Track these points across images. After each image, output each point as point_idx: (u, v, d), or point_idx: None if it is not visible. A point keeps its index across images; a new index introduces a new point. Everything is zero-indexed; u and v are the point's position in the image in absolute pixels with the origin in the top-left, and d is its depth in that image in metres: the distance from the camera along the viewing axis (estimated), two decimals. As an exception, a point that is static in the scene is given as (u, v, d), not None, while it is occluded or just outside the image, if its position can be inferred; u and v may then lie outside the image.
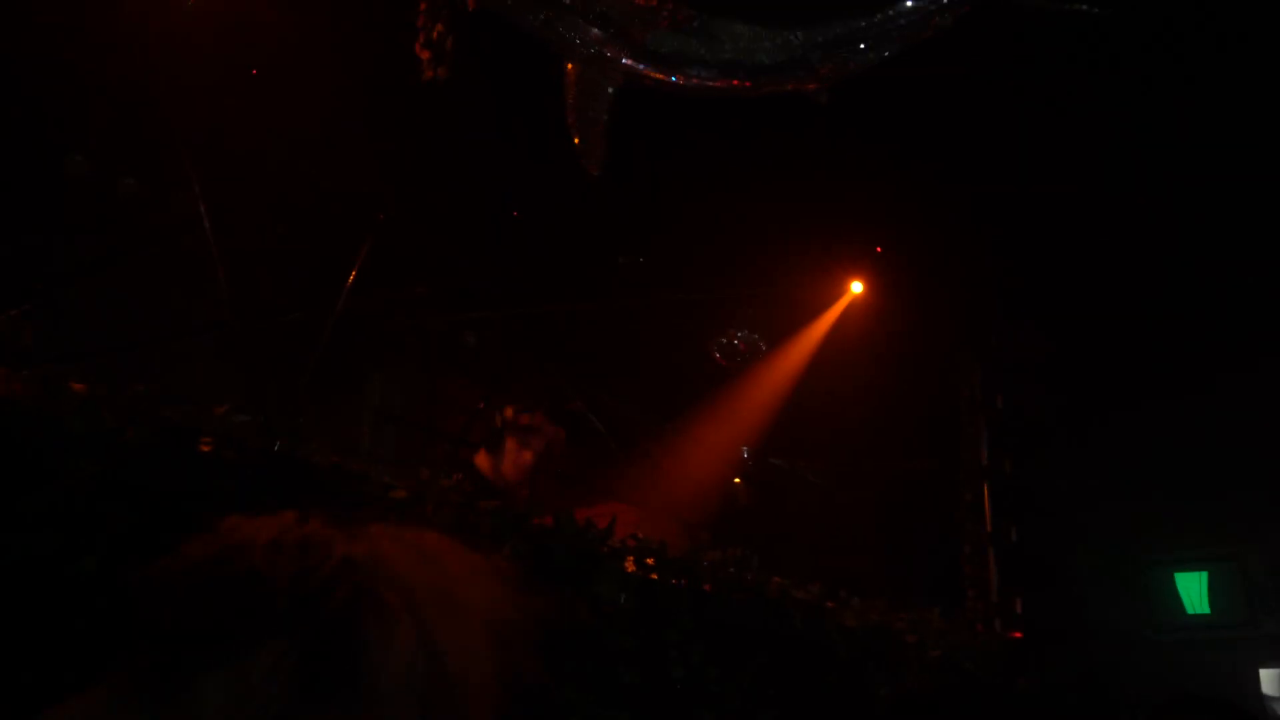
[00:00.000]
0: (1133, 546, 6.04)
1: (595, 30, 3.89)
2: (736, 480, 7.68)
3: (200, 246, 4.51)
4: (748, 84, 4.06)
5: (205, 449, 2.00)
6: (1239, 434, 5.53)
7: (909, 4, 4.08)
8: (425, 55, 3.96)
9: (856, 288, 7.11)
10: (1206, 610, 5.76)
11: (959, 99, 5.43)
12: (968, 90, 5.34)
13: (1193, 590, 5.82)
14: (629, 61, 4.01)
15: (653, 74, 4.07)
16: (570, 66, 4.17)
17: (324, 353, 4.30)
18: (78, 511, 1.63)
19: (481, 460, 4.34)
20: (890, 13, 4.07)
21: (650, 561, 2.81)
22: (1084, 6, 4.08)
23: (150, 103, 4.59)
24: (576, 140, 4.27)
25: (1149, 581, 6.00)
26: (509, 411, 4.35)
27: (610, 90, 4.15)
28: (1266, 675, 5.56)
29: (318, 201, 5.42)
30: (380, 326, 6.12)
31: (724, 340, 7.12)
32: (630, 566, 2.72)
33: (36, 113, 5.09)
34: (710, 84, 4.08)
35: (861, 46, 4.04)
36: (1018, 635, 5.53)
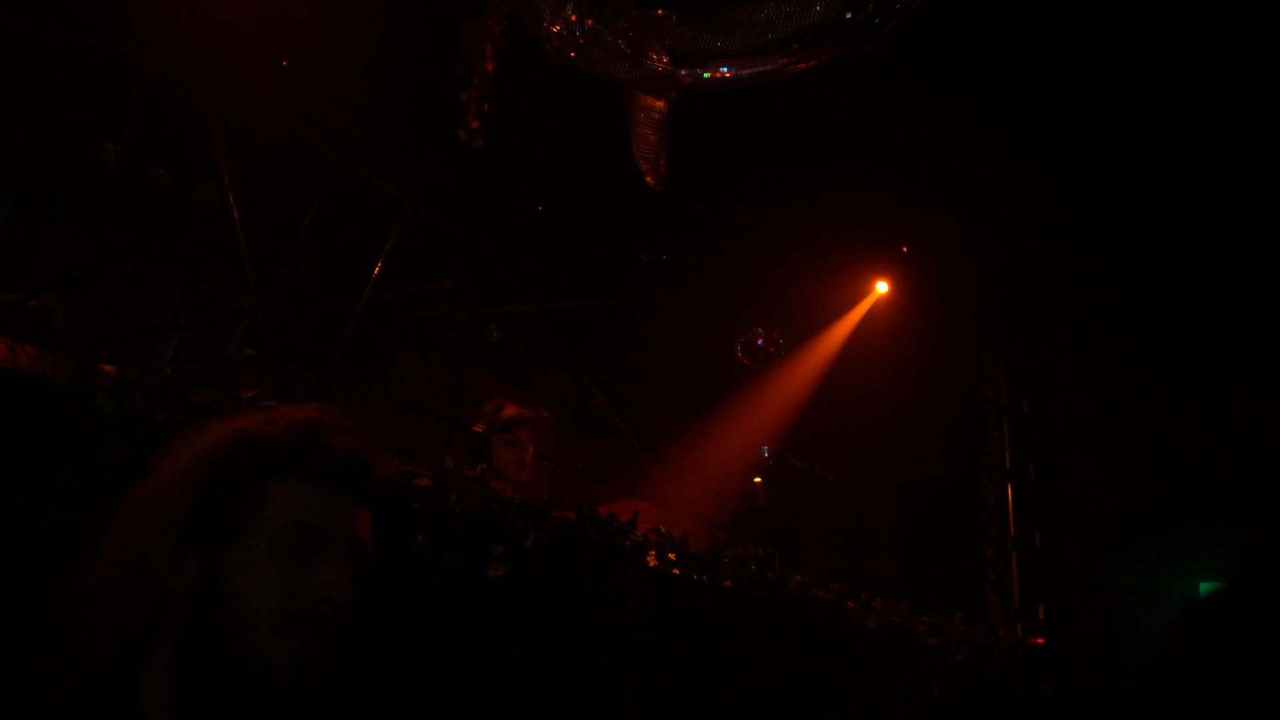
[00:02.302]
0: (1159, 555, 5.97)
1: (626, 48, 3.89)
2: (757, 480, 7.66)
3: (229, 235, 4.54)
4: (798, 59, 4.02)
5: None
6: (1272, 441, 5.43)
7: None
8: (475, 125, 4.05)
9: (882, 287, 7.07)
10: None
11: (988, 97, 5.38)
12: (997, 88, 5.29)
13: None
14: (668, 73, 4.00)
15: (696, 80, 4.06)
16: (626, 92, 4.19)
17: (350, 342, 4.32)
18: (109, 492, 1.64)
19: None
20: None
21: (672, 556, 2.80)
22: None
23: (182, 92, 4.63)
24: (642, 164, 4.29)
25: (1174, 591, 5.92)
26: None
27: (665, 110, 4.16)
28: None
29: (347, 192, 5.45)
30: (406, 318, 6.14)
31: (747, 339, 7.10)
32: (652, 561, 2.71)
33: (71, 101, 5.15)
34: (760, 70, 4.05)
35: None
36: (1040, 641, 5.48)
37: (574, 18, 3.75)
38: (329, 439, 1.14)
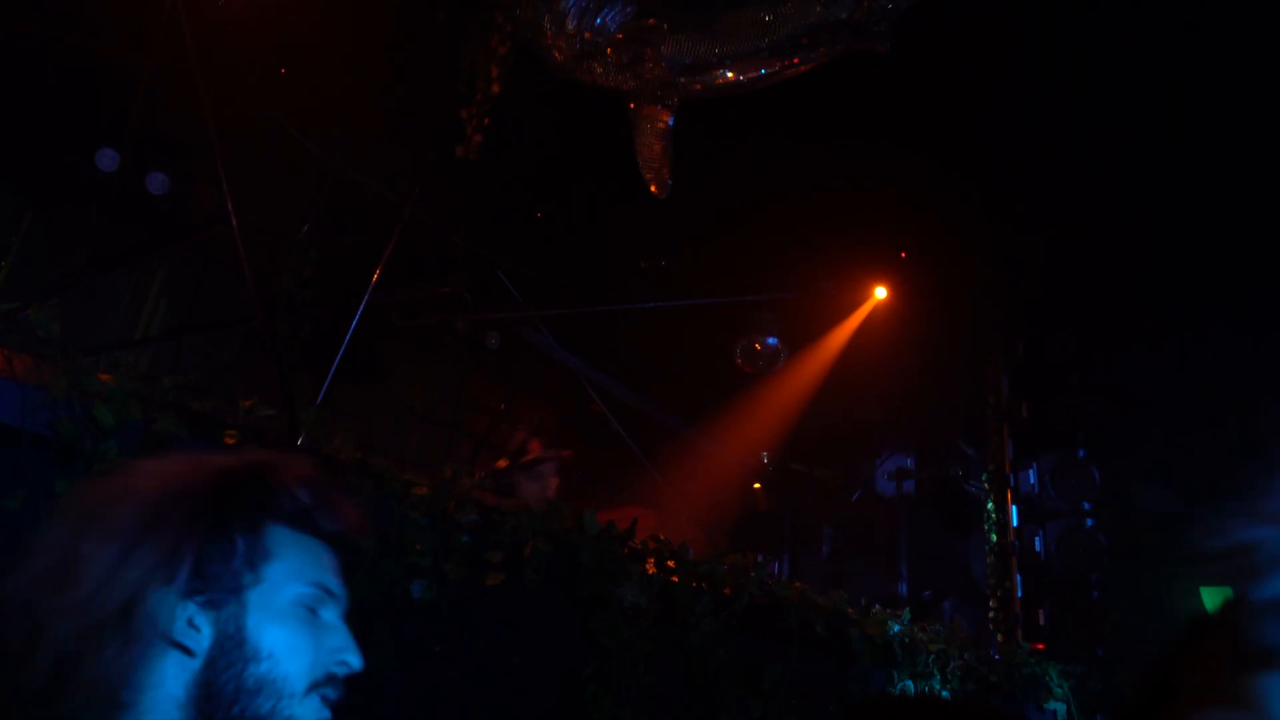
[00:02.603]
0: (1158, 559, 5.96)
1: (625, 59, 3.93)
2: (756, 485, 7.66)
3: (228, 241, 4.54)
4: (794, 60, 4.03)
5: (230, 441, 2.00)
6: (1272, 442, 5.43)
7: None
8: (477, 139, 4.16)
9: (880, 293, 7.07)
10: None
11: (982, 101, 5.39)
12: (992, 92, 5.30)
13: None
14: (669, 80, 4.03)
15: (700, 87, 4.09)
16: (631, 105, 4.24)
17: (349, 349, 4.32)
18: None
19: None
20: None
21: (672, 564, 2.80)
22: None
23: (181, 99, 4.63)
24: (646, 174, 4.35)
25: (1173, 596, 5.91)
26: (518, 439, 4.35)
27: (670, 121, 4.21)
28: None
29: (347, 198, 5.45)
30: (406, 324, 6.14)
31: (746, 345, 7.10)
32: (652, 569, 2.71)
33: (69, 108, 5.15)
34: (761, 74, 4.06)
35: None
36: (1040, 647, 5.46)
37: (573, 31, 3.78)
38: (338, 503, 1.13)
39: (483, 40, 4.14)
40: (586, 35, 3.81)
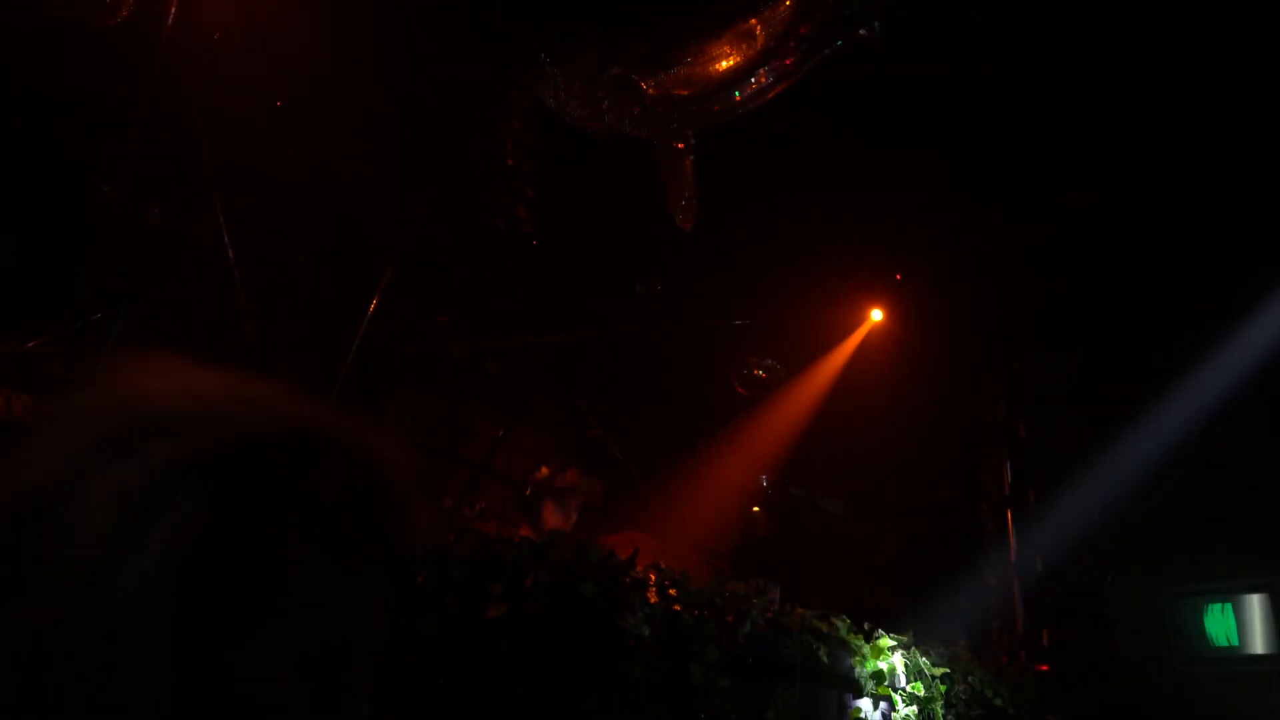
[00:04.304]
0: (1161, 577, 5.93)
1: (636, 111, 4.06)
2: (755, 509, 7.63)
3: (224, 273, 4.55)
4: (787, 64, 4.11)
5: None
6: (1271, 463, 5.43)
7: None
8: (522, 213, 4.33)
9: (876, 315, 7.08)
10: (1235, 643, 5.64)
11: (979, 124, 5.43)
12: (989, 114, 5.33)
13: (1221, 623, 5.70)
14: (675, 118, 4.14)
15: (705, 116, 4.20)
16: (659, 149, 4.38)
17: (346, 379, 4.32)
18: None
19: (525, 531, 4.33)
20: None
21: (673, 592, 2.78)
22: None
23: (177, 131, 4.65)
24: (673, 211, 4.49)
25: (1177, 613, 5.88)
26: (542, 473, 4.36)
27: (689, 160, 4.34)
28: None
29: (343, 229, 5.47)
30: (403, 353, 6.14)
31: (744, 368, 7.10)
32: (653, 598, 2.69)
33: (65, 141, 5.17)
34: (759, 88, 4.14)
35: None
36: (1044, 668, 5.43)
37: (566, 87, 3.90)
38: None
39: (505, 121, 4.30)
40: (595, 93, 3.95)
